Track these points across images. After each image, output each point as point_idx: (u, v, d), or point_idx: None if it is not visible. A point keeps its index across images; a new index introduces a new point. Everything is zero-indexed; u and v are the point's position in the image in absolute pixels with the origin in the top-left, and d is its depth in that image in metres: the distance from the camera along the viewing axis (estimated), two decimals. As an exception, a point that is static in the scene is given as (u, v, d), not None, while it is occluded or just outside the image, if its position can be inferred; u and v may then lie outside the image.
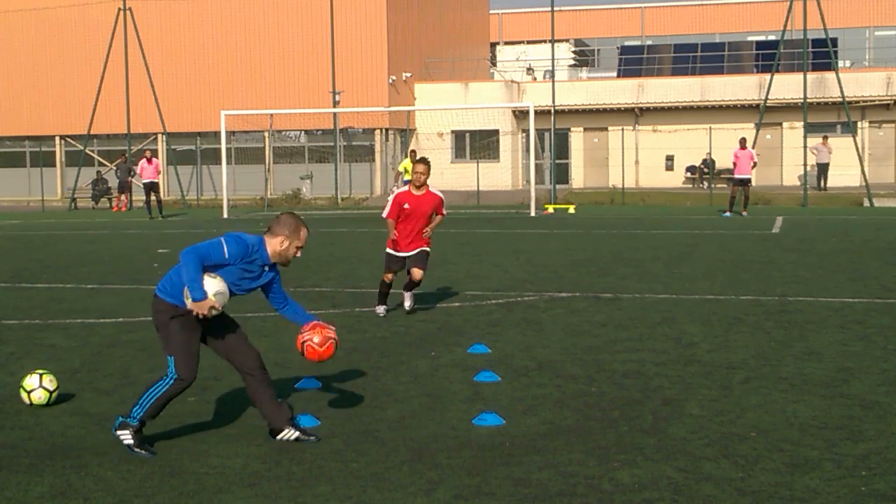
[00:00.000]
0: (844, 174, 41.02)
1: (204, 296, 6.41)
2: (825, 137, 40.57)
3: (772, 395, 7.84)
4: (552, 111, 38.97)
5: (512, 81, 47.01)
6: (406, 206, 11.66)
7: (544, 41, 52.51)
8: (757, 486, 5.73)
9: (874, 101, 43.72)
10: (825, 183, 39.70)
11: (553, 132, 39.23)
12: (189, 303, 6.44)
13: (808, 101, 36.62)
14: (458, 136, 45.58)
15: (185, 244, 7.07)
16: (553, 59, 40.83)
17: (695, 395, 7.90)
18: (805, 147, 36.98)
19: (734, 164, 29.67)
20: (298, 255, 6.80)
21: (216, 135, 40.40)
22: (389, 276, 11.80)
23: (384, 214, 11.84)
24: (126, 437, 6.51)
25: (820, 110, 42.21)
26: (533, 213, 31.53)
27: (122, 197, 38.80)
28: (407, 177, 28.90)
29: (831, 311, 11.71)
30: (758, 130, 36.83)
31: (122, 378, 8.80)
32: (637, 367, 8.92)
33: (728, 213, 29.35)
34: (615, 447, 6.52)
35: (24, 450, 6.69)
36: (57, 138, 46.16)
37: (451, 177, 42.25)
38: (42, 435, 7.06)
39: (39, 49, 45.44)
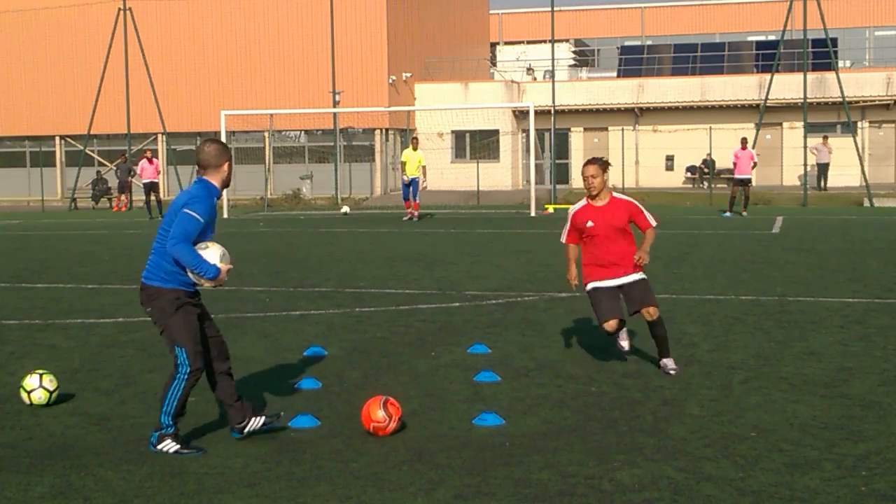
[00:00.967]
0: (844, 174, 41.02)
1: (216, 270, 6.45)
2: (825, 137, 40.57)
3: (772, 395, 7.84)
4: (552, 111, 38.93)
5: (512, 81, 46.98)
6: (590, 223, 8.90)
7: (544, 41, 52.52)
8: (757, 486, 5.73)
9: (874, 101, 43.70)
10: (825, 183, 39.69)
11: (553, 132, 39.20)
12: (207, 283, 6.47)
13: (808, 101, 36.60)
14: (459, 136, 45.55)
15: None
16: (553, 59, 40.78)
17: (695, 395, 7.90)
18: (805, 147, 36.97)
19: (734, 164, 29.61)
20: None
21: (216, 135, 40.37)
22: (612, 324, 8.83)
23: (562, 239, 9.34)
24: (170, 445, 6.50)
25: (820, 110, 42.19)
26: (533, 213, 31.51)
27: (122, 197, 38.80)
28: (407, 169, 28.32)
29: (831, 312, 11.70)
30: (758, 130, 36.79)
31: (122, 378, 8.80)
32: (637, 367, 8.93)
33: (728, 214, 29.32)
34: (615, 447, 6.52)
35: (24, 450, 6.70)
36: (57, 138, 46.14)
37: (451, 177, 42.32)
38: (42, 435, 7.06)
39: (39, 49, 45.42)
